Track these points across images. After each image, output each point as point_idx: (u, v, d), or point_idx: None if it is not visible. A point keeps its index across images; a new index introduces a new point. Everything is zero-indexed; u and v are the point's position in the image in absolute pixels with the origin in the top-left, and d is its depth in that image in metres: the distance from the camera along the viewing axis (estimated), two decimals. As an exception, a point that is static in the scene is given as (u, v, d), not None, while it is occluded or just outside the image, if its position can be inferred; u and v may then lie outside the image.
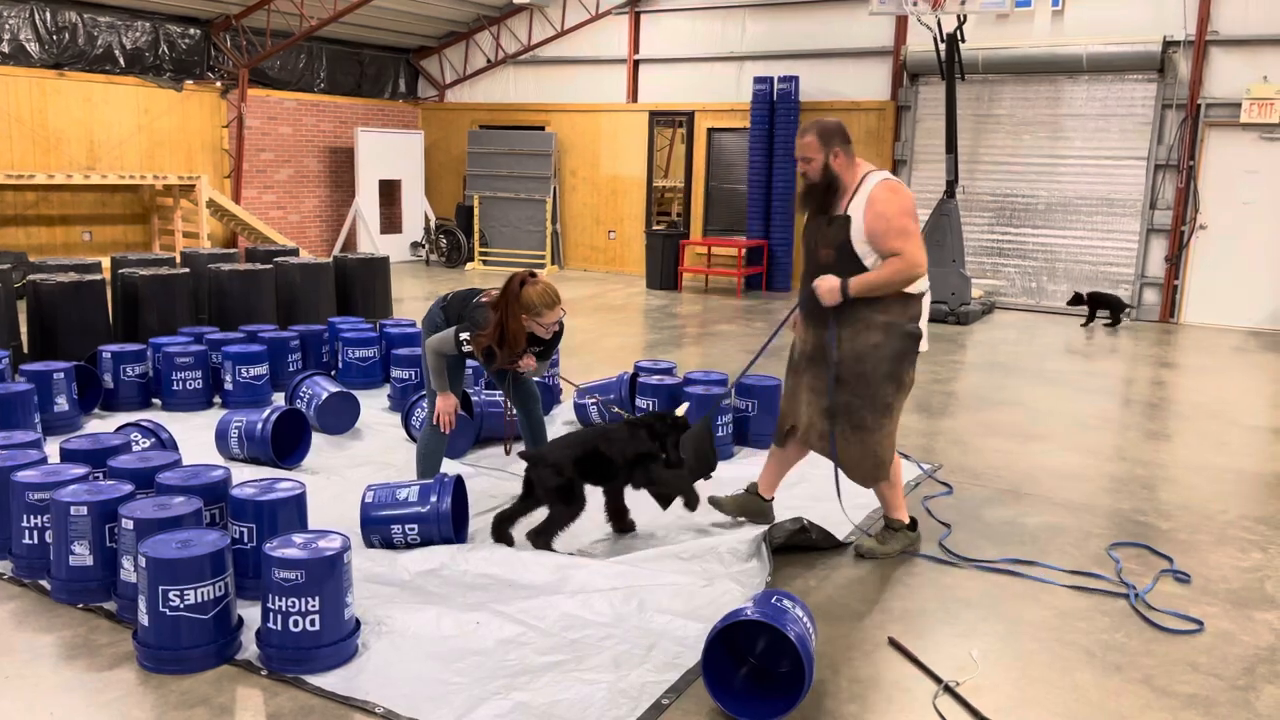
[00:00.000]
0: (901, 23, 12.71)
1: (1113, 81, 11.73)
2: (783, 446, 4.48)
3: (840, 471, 4.28)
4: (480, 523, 4.54)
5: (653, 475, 4.32)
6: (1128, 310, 11.34)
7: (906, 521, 4.38)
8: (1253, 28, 10.95)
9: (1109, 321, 11.32)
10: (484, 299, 4.56)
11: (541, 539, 4.16)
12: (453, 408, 4.67)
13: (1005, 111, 12.41)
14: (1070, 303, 11.46)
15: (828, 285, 3.99)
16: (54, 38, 12.28)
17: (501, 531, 4.27)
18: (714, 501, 4.61)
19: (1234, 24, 11.05)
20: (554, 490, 4.16)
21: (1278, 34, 10.81)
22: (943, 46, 11.12)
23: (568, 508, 4.18)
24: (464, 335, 4.47)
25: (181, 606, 3.18)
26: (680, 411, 4.57)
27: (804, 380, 4.26)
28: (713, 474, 4.56)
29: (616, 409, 5.67)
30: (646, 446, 4.30)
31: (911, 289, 4.04)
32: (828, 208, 4.06)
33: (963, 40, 11.18)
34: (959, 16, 10.82)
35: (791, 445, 4.44)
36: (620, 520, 4.49)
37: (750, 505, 4.61)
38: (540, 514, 4.26)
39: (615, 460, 4.28)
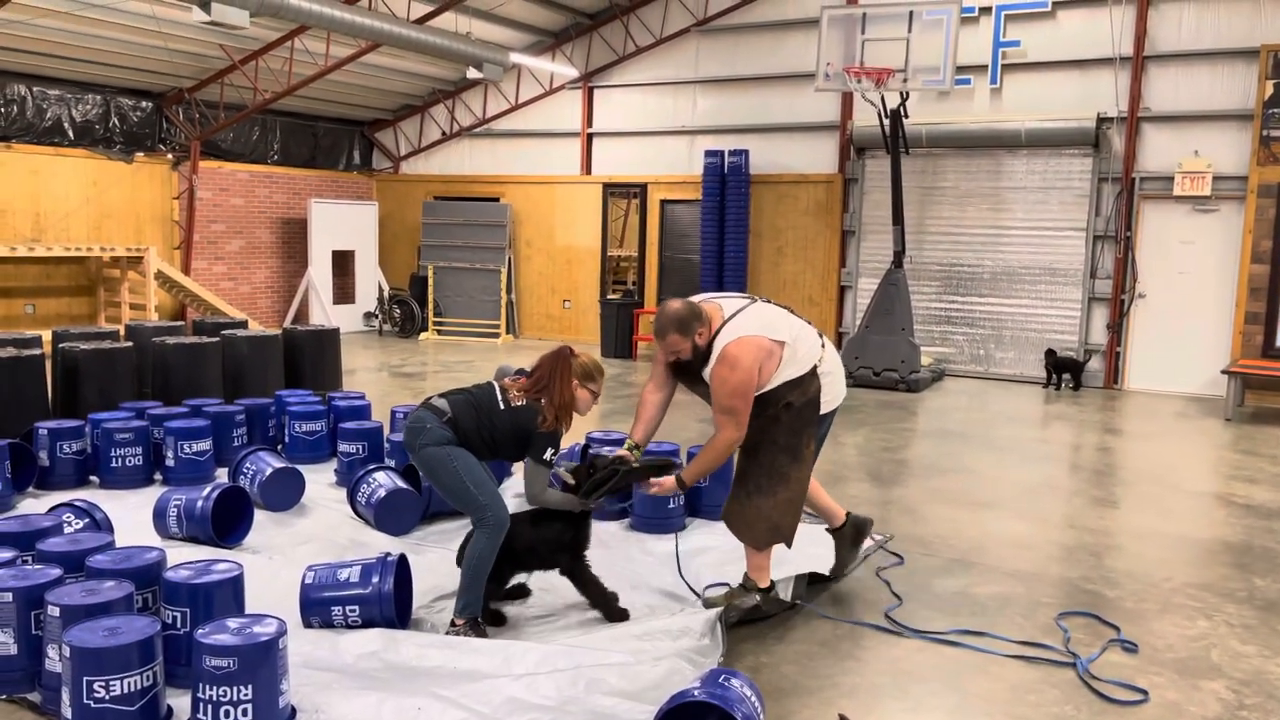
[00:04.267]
0: (847, 99, 13.07)
1: (1050, 155, 12.11)
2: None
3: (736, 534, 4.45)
4: (426, 603, 4.45)
5: (575, 572, 4.37)
6: (1083, 370, 11.81)
7: (765, 586, 4.42)
8: (1182, 104, 11.40)
9: (1073, 386, 11.68)
10: (519, 398, 4.20)
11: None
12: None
13: (949, 184, 12.74)
14: (1045, 356, 11.85)
15: (664, 487, 4.29)
16: (1, 110, 12.19)
17: (485, 612, 4.24)
18: (835, 574, 4.87)
19: (1164, 101, 11.50)
20: None
21: (1206, 110, 11.26)
22: (887, 122, 11.44)
23: (487, 586, 4.21)
24: (549, 455, 4.14)
25: (107, 698, 3.06)
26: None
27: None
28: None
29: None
30: (551, 534, 4.31)
31: (799, 370, 4.19)
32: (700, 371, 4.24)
33: (906, 116, 11.50)
34: (901, 94, 11.15)
35: None
36: (608, 611, 4.36)
37: (843, 539, 4.80)
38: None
39: (518, 549, 4.27)
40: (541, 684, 3.60)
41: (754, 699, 3.15)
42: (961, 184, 12.66)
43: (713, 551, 5.25)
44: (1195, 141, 11.34)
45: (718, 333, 4.15)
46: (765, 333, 4.13)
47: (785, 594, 4.47)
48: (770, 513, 4.28)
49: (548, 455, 4.14)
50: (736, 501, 4.35)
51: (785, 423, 4.21)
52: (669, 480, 4.30)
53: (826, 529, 4.88)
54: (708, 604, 4.40)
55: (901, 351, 11.34)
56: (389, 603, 4.06)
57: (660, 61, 14.56)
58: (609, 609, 4.33)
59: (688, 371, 4.30)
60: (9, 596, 3.53)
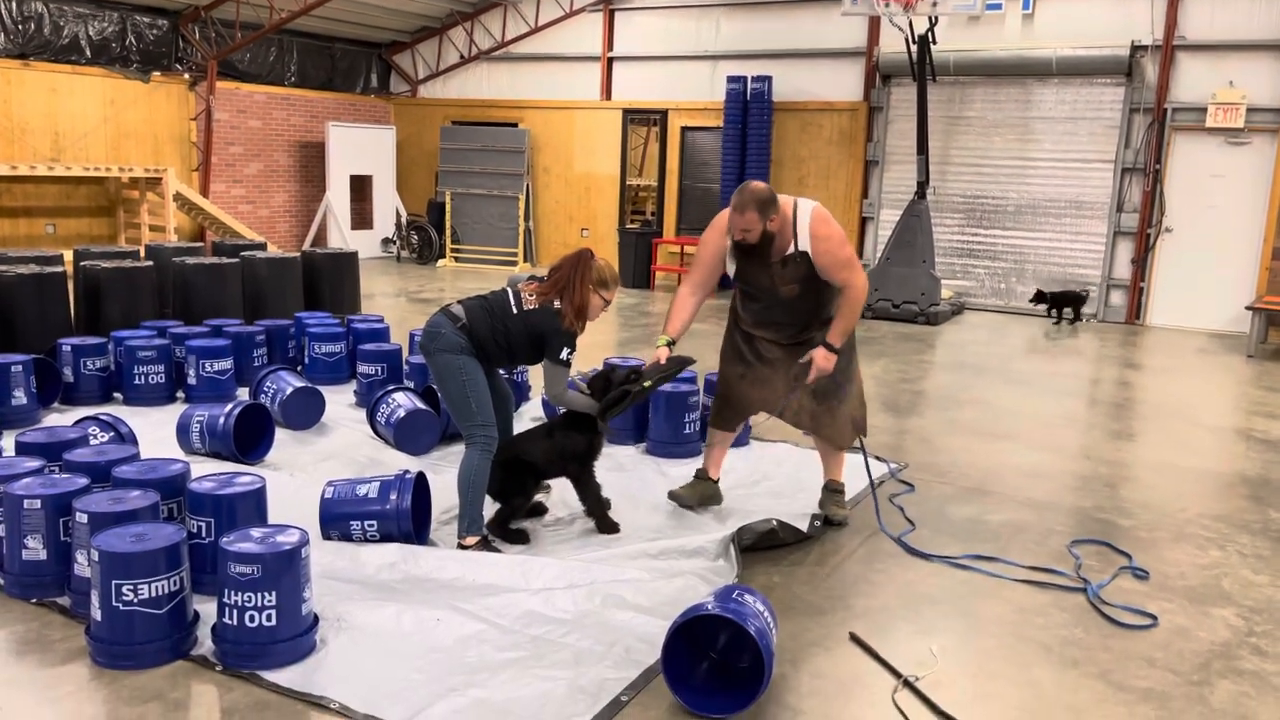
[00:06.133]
0: (874, 24, 12.77)
1: (1081, 85, 11.84)
2: (733, 430, 4.85)
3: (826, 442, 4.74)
4: (445, 520, 4.51)
5: (581, 480, 4.47)
6: (1085, 303, 11.67)
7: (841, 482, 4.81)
8: (1218, 33, 11.09)
9: (1073, 319, 11.60)
10: (532, 302, 4.23)
11: (495, 527, 4.35)
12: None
13: (976, 113, 12.50)
14: (1033, 300, 11.69)
15: (825, 362, 4.32)
16: (19, 27, 12.08)
17: (508, 531, 4.36)
18: (674, 496, 4.84)
19: (1200, 29, 11.18)
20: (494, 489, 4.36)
21: (1243, 40, 10.96)
22: (914, 48, 11.19)
23: (514, 500, 4.40)
24: (566, 354, 4.18)
25: (135, 601, 3.14)
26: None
27: (779, 372, 4.55)
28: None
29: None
30: (568, 442, 4.41)
31: None
32: (770, 254, 4.29)
33: (934, 42, 11.24)
34: (930, 18, 10.88)
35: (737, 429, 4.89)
36: (600, 521, 4.48)
37: (707, 491, 4.87)
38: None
39: (539, 461, 4.42)
40: (558, 598, 3.67)
41: (767, 615, 3.20)
42: (989, 114, 12.41)
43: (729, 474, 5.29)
44: (1230, 72, 11.05)
45: (795, 215, 4.25)
46: None
47: (803, 525, 4.51)
48: (855, 411, 4.62)
49: (564, 355, 4.18)
50: (828, 414, 4.55)
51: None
52: (819, 353, 4.30)
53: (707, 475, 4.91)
54: (832, 520, 4.70)
55: (922, 284, 11.26)
56: (406, 518, 4.12)
57: (683, -16, 14.24)
58: (602, 519, 4.47)
59: (750, 257, 4.31)
60: (38, 504, 3.60)
